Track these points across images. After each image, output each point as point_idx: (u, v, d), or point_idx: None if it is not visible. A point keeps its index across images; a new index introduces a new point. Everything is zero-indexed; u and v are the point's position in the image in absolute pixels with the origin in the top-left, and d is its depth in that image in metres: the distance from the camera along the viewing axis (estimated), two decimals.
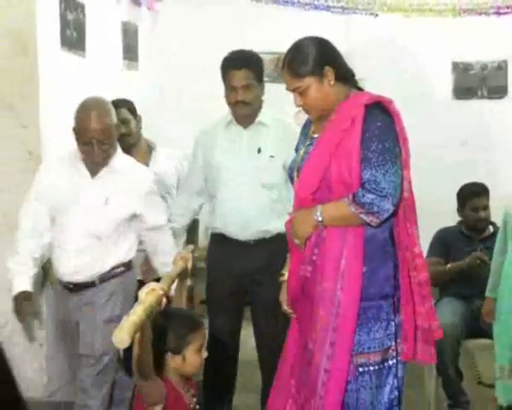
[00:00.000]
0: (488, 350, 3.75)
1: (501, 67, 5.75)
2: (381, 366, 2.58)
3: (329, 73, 2.57)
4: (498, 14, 5.50)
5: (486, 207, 4.21)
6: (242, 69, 3.33)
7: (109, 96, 3.86)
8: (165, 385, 2.42)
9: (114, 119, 3.05)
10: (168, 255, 3.07)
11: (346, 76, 2.63)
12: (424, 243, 3.78)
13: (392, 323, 2.58)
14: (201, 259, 3.96)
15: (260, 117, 3.44)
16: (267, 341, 3.48)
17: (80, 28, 4.14)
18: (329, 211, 2.53)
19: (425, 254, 3.80)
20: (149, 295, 2.23)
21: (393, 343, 2.58)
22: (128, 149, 3.79)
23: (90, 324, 3.08)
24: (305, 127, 2.79)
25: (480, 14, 5.52)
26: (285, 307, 2.78)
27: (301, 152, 2.70)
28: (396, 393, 2.60)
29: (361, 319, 2.54)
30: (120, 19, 5.00)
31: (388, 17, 5.57)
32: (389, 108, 2.56)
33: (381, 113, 2.53)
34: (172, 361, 2.47)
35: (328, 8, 5.53)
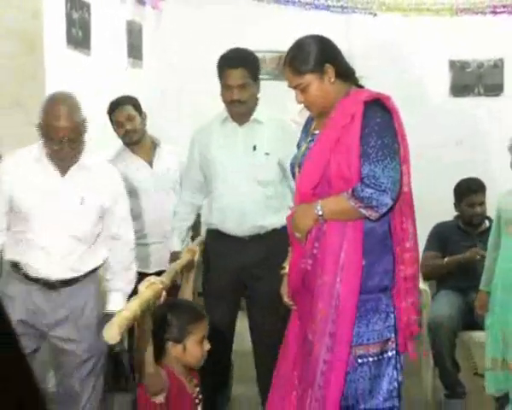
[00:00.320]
0: (484, 342, 3.77)
1: (497, 66, 5.78)
2: (380, 357, 2.60)
3: (330, 70, 2.60)
4: (494, 13, 5.54)
5: (483, 203, 4.25)
6: (238, 68, 3.32)
7: (114, 93, 3.96)
8: (168, 374, 2.44)
9: (83, 114, 2.87)
10: (117, 276, 3.00)
11: (346, 73, 2.66)
12: (422, 241, 3.83)
13: (392, 315, 2.60)
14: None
15: (256, 115, 3.43)
16: (263, 337, 3.49)
17: (86, 27, 4.16)
18: (329, 205, 2.56)
19: (422, 249, 3.87)
20: (148, 289, 2.26)
21: (393, 335, 2.60)
22: (133, 146, 3.86)
23: (71, 324, 2.95)
24: (307, 124, 2.82)
25: (477, 13, 5.56)
26: (286, 299, 2.81)
27: (303, 148, 2.73)
28: (395, 384, 2.62)
29: (360, 312, 2.56)
30: (125, 18, 5.03)
31: (387, 16, 5.61)
32: (388, 105, 2.59)
33: (380, 109, 2.56)
34: (173, 350, 2.50)
35: (328, 7, 5.56)
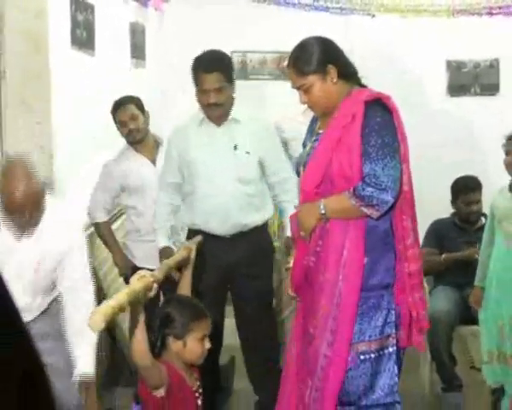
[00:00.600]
0: (480, 336, 3.81)
1: (493, 66, 5.82)
2: (381, 352, 2.62)
3: (332, 71, 2.64)
4: (490, 14, 5.59)
5: (479, 201, 4.28)
6: (214, 73, 3.32)
7: (117, 93, 4.01)
8: (168, 369, 2.44)
9: (39, 179, 2.66)
10: (77, 333, 2.74)
11: (348, 74, 2.70)
12: (421, 239, 3.85)
13: (393, 312, 2.63)
14: None
15: (233, 114, 3.42)
16: (250, 333, 3.51)
17: (90, 28, 4.18)
18: (331, 204, 2.60)
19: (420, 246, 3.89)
20: (139, 281, 2.27)
21: (394, 331, 2.63)
22: (136, 145, 3.90)
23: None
24: (312, 124, 2.86)
25: (473, 14, 5.61)
26: (289, 292, 2.86)
27: (308, 148, 2.77)
28: (396, 379, 2.65)
29: (362, 309, 2.60)
30: (128, 19, 5.05)
31: (385, 17, 5.65)
32: (388, 104, 2.63)
33: (380, 109, 2.61)
34: (174, 346, 2.50)
35: (327, 8, 5.60)
